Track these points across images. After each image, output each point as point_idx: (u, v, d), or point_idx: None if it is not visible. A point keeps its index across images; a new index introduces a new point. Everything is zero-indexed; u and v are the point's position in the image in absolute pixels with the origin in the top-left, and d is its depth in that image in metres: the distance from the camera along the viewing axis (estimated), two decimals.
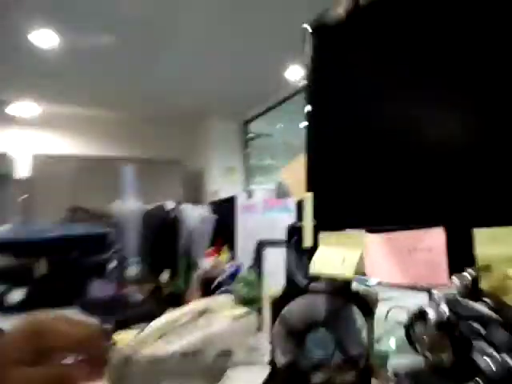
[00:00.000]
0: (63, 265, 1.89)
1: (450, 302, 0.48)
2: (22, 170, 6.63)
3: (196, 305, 1.17)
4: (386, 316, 0.97)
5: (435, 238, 0.53)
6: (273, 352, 0.69)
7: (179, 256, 1.77)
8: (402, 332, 0.80)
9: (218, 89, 5.66)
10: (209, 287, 1.43)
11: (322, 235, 0.64)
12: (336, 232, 0.63)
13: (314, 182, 0.69)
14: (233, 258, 1.59)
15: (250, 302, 1.18)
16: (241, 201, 1.77)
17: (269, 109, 6.24)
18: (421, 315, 0.52)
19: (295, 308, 0.88)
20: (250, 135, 7.14)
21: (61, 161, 6.60)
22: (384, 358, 0.78)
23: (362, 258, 0.56)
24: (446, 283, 0.53)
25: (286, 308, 0.68)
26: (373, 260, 0.56)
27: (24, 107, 6.36)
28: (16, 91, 5.88)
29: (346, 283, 0.64)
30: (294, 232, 0.69)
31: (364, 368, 0.63)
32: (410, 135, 0.60)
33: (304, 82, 0.78)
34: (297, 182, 0.80)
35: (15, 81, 5.44)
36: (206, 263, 1.51)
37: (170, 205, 1.69)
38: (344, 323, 0.70)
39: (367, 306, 0.64)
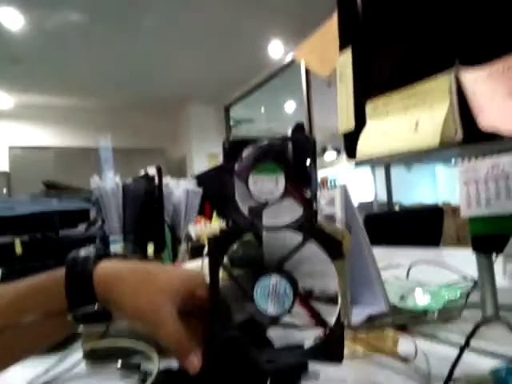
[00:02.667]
0: (40, 244, 1.74)
1: None
2: (1, 163, 6.49)
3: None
4: (408, 275, 0.93)
5: None
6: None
7: (165, 228, 1.64)
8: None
9: (197, 72, 5.50)
10: (199, 255, 1.31)
11: (373, 104, 0.49)
12: (397, 91, 0.47)
13: (351, 35, 0.53)
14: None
15: (249, 263, 1.07)
16: None
17: (251, 91, 6.08)
18: None
19: (239, 250, 0.75)
20: (232, 122, 7.00)
21: (38, 152, 6.50)
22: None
23: (449, 115, 0.40)
24: None
25: (228, 252, 0.55)
26: (484, 106, 0.39)
27: None
28: None
29: (308, 218, 0.50)
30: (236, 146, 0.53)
31: (335, 327, 0.50)
32: None
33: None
34: (320, 55, 0.67)
35: None
36: (193, 230, 1.39)
37: (151, 172, 1.55)
38: (305, 268, 0.57)
39: (337, 247, 0.50)
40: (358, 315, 0.70)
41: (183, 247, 1.54)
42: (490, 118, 0.35)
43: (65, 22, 4.27)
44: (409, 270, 0.96)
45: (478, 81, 0.37)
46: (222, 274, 0.56)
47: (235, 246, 0.98)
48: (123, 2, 4.03)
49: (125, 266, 0.54)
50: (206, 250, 1.24)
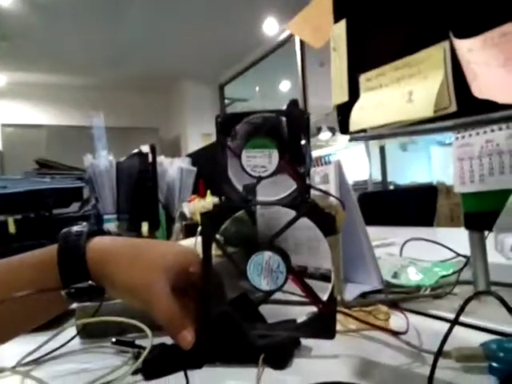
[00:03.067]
0: (33, 223, 1.73)
1: None
2: None
3: None
4: (401, 252, 0.93)
5: None
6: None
7: (159, 207, 1.64)
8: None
9: (191, 50, 5.43)
10: (194, 233, 1.30)
11: (367, 76, 0.48)
12: (391, 64, 0.46)
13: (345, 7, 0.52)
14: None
15: (243, 241, 1.07)
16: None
17: (245, 69, 6.00)
18: None
19: (232, 227, 0.75)
20: (226, 101, 6.94)
21: (31, 130, 6.46)
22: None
23: (444, 85, 0.40)
24: None
25: (221, 228, 0.54)
26: (478, 73, 0.36)
27: None
28: None
29: (301, 193, 0.49)
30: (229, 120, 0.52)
31: (327, 302, 0.50)
32: None
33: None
34: (314, 26, 0.66)
35: None
36: (187, 208, 1.38)
37: (145, 149, 1.54)
38: (298, 245, 0.56)
39: (330, 222, 0.49)
40: (351, 292, 0.70)
41: (177, 226, 1.54)
42: (484, 86, 0.35)
43: None
44: (402, 246, 0.96)
45: (473, 49, 0.36)
46: (215, 251, 0.56)
47: (228, 224, 0.98)
48: None
49: (118, 242, 0.54)
50: (199, 227, 1.24)
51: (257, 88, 6.79)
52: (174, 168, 1.92)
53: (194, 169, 1.93)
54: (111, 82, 6.59)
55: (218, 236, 0.56)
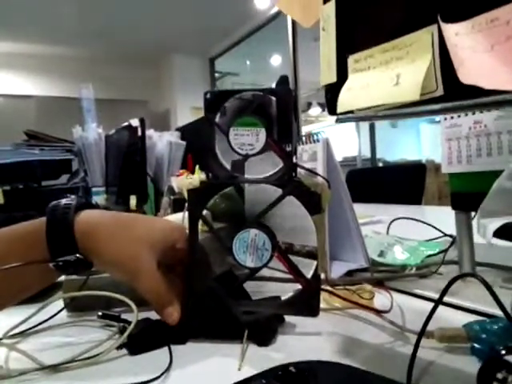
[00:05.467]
0: (21, 194, 1.72)
1: None
2: None
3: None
4: (388, 231, 0.93)
5: None
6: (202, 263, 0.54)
7: (147, 181, 1.62)
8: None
9: (181, 22, 5.31)
10: (182, 207, 1.29)
11: (355, 57, 0.47)
12: (380, 46, 0.45)
13: None
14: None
15: (231, 217, 1.06)
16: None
17: (236, 43, 5.92)
18: None
19: (222, 203, 0.74)
20: (216, 74, 6.86)
21: (20, 101, 6.33)
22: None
23: (431, 69, 0.39)
24: None
25: (208, 205, 0.53)
26: (465, 58, 0.35)
27: None
28: None
29: (287, 171, 0.49)
30: (217, 96, 0.51)
31: (311, 280, 0.50)
32: None
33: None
34: (303, 4, 0.64)
35: None
36: (175, 183, 1.37)
37: (134, 123, 1.52)
38: (285, 222, 0.56)
39: (315, 201, 0.49)
40: (337, 270, 0.70)
41: (165, 200, 1.53)
42: (470, 71, 0.34)
43: None
44: (389, 225, 0.96)
45: (460, 33, 0.35)
46: (203, 227, 0.56)
47: (217, 200, 0.97)
48: None
49: (105, 216, 0.54)
50: (187, 203, 1.23)
51: (248, 62, 6.71)
52: (163, 142, 1.90)
53: (183, 143, 1.91)
54: (101, 53, 6.45)
55: (205, 212, 0.55)
